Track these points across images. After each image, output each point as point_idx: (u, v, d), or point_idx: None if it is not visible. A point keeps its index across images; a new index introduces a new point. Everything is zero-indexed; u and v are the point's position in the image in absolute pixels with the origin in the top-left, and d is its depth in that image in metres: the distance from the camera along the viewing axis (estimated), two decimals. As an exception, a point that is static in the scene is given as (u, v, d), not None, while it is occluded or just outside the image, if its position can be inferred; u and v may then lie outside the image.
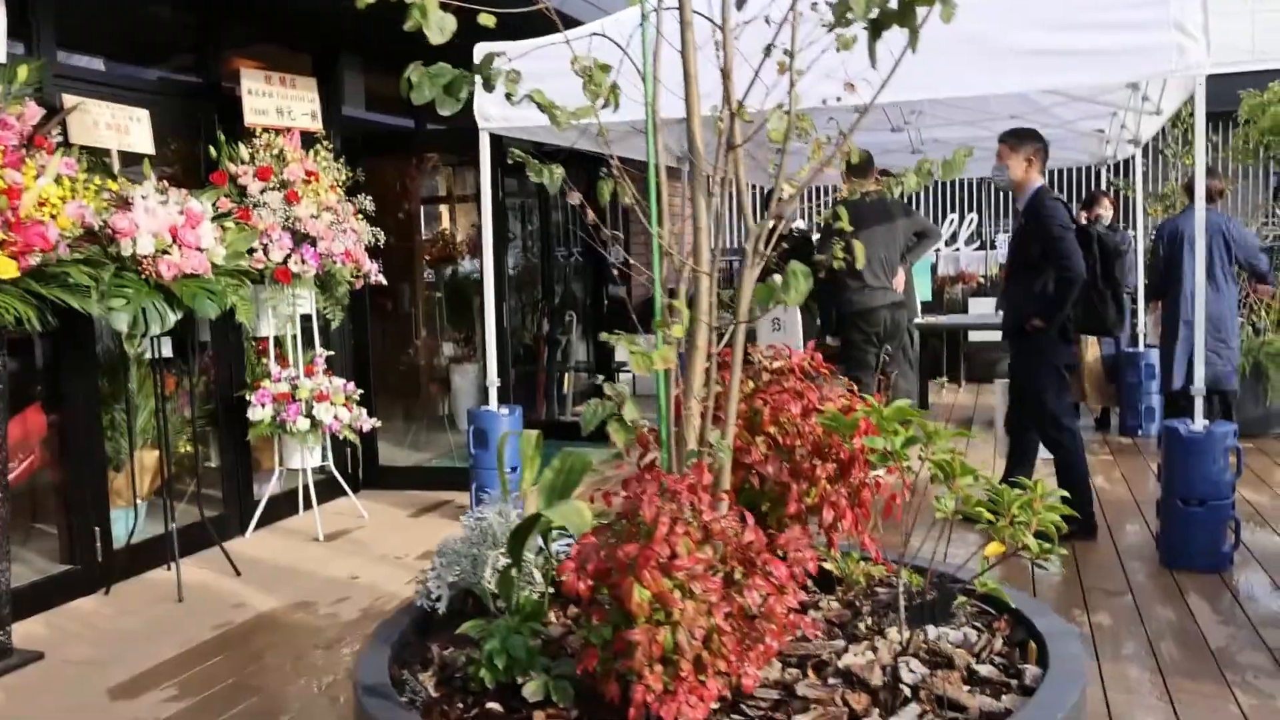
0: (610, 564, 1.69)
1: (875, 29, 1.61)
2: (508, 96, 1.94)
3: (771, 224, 1.89)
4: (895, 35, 1.73)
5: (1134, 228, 7.95)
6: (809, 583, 2.31)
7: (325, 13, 5.71)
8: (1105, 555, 4.77)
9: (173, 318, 4.35)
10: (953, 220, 11.87)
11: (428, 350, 8.14)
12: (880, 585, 2.34)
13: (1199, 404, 4.48)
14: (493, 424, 5.37)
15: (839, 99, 2.05)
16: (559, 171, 2.23)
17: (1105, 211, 7.66)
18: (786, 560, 1.77)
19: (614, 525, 1.80)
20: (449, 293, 8.16)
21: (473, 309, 7.50)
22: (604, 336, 1.79)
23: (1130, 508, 5.57)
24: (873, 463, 2.20)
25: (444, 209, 8.74)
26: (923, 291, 8.39)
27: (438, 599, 2.25)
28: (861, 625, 2.11)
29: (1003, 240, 10.98)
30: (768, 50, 2.02)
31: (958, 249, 11.62)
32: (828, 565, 2.34)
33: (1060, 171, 12.59)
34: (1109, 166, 8.98)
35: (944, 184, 13.02)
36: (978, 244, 11.79)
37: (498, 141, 5.38)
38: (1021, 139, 5.01)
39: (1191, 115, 8.57)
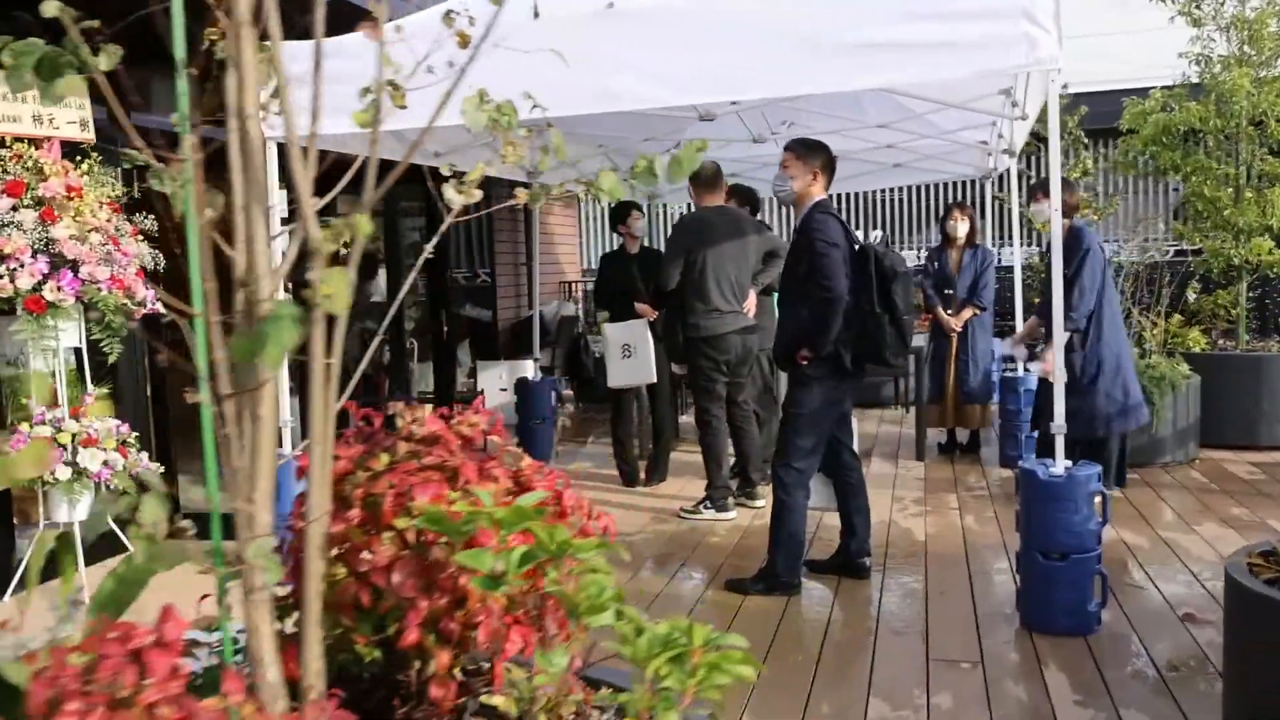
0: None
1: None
2: None
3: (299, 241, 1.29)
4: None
5: (1011, 242, 7.56)
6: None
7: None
8: (960, 614, 4.19)
9: None
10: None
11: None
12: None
13: (1060, 442, 3.98)
14: (282, 473, 4.67)
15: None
16: (191, 185, 1.68)
17: (960, 224, 7.19)
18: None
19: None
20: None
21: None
22: None
23: (998, 554, 4.98)
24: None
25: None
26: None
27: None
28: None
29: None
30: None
31: None
32: (496, 701, 1.74)
33: (945, 185, 12.30)
34: (993, 180, 8.58)
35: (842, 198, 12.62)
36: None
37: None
38: (811, 150, 4.50)
39: (1078, 127, 8.25)
